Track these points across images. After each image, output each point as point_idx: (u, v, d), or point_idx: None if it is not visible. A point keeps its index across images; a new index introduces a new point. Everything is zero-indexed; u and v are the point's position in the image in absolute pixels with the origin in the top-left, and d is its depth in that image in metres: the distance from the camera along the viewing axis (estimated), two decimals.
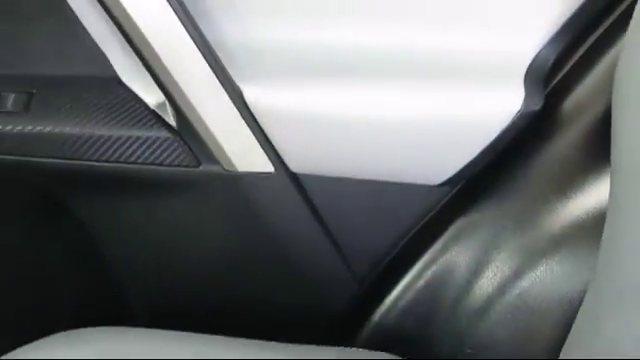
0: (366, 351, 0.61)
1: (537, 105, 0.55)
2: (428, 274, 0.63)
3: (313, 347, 0.54)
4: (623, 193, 0.40)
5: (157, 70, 0.52)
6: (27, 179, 0.57)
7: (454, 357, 0.60)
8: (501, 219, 0.60)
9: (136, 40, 0.51)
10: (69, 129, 0.54)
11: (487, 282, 0.61)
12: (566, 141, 0.58)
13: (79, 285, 0.61)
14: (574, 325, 0.45)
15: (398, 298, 0.64)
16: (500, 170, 0.59)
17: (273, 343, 0.53)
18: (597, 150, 0.56)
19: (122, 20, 0.51)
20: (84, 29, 0.55)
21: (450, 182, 0.58)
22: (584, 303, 0.45)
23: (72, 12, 0.54)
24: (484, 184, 0.59)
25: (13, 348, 0.50)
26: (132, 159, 0.55)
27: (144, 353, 0.50)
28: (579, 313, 0.45)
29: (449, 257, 0.62)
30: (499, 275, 0.60)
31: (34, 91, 0.56)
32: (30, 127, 0.54)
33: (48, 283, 0.61)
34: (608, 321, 0.41)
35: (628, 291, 0.39)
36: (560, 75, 0.58)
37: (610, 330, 0.41)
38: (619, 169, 0.41)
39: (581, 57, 0.58)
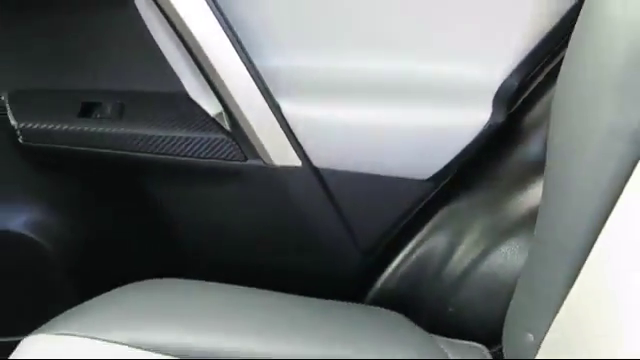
0: (371, 307, 0.78)
1: (501, 119, 0.72)
2: (419, 250, 0.80)
3: (331, 301, 0.72)
4: (550, 183, 0.57)
5: (217, 89, 0.70)
6: (120, 169, 0.76)
7: (439, 314, 0.77)
8: (475, 207, 0.77)
9: (204, 66, 0.69)
10: (151, 132, 0.73)
11: (464, 256, 0.77)
12: (525, 148, 0.75)
13: (154, 249, 0.79)
14: (517, 283, 0.62)
15: (395, 268, 0.80)
16: (474, 170, 0.76)
17: (300, 297, 0.70)
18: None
19: (194, 51, 0.69)
20: (164, 57, 0.73)
21: (435, 178, 0.75)
22: (523, 268, 0.61)
23: (156, 44, 0.73)
24: (461, 180, 0.77)
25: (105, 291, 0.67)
26: (196, 155, 0.73)
27: (201, 295, 0.68)
28: (520, 276, 0.62)
29: (435, 236, 0.79)
30: (473, 251, 0.77)
31: (125, 103, 0.74)
32: (123, 130, 0.73)
33: (131, 247, 0.79)
34: (538, 273, 0.58)
35: (551, 248, 0.56)
36: (522, 97, 0.75)
37: (539, 278, 0.58)
38: (549, 166, 0.57)
39: (539, 83, 0.75)
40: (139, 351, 0.58)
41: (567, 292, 0.52)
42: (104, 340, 0.58)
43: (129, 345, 0.59)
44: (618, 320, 0.45)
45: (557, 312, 0.53)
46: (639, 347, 0.43)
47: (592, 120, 0.51)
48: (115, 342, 0.58)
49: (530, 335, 0.57)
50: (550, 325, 0.54)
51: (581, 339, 0.51)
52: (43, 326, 0.60)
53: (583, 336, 0.50)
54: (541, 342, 0.56)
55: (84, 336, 0.58)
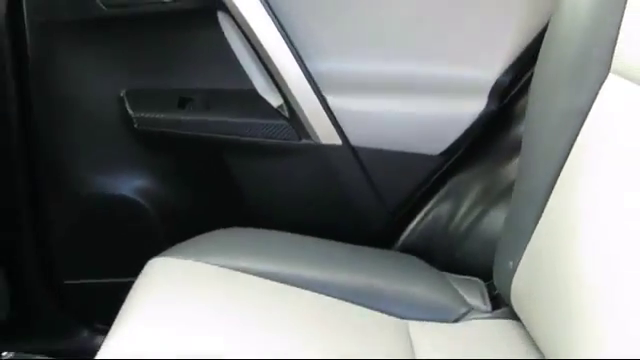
0: (394, 252, 1.01)
1: (495, 108, 0.94)
2: (433, 211, 1.02)
3: (363, 247, 0.95)
4: (525, 150, 0.79)
5: (279, 87, 0.95)
6: (207, 147, 1.00)
7: (448, 260, 0.99)
8: (475, 177, 0.99)
9: (270, 69, 0.94)
10: (229, 119, 0.97)
11: (467, 215, 0.99)
12: (514, 130, 0.97)
13: (229, 208, 1.04)
14: (503, 225, 0.84)
15: (415, 225, 1.03)
16: (475, 148, 0.98)
17: (340, 243, 0.93)
18: None
19: (263, 58, 0.93)
20: (239, 63, 0.98)
21: (444, 154, 0.97)
22: (507, 213, 0.83)
23: (234, 54, 0.97)
24: (465, 156, 0.98)
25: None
26: (263, 136, 0.96)
27: (271, 238, 0.92)
28: (505, 219, 0.84)
29: (445, 200, 1.01)
30: (474, 211, 0.99)
31: (211, 98, 0.99)
32: (209, 118, 0.98)
33: (213, 206, 1.04)
34: (516, 214, 0.80)
35: (524, 196, 0.77)
36: (513, 91, 0.97)
37: (516, 217, 0.79)
38: (524, 138, 0.79)
39: (528, 79, 0.96)
40: (243, 275, 0.81)
41: (535, 227, 0.74)
42: (212, 264, 0.82)
43: (234, 269, 0.81)
44: (573, 247, 0.66)
45: (529, 242, 0.75)
46: (591, 266, 0.63)
47: (550, 103, 0.73)
48: (222, 266, 0.82)
49: (510, 262, 0.79)
50: (524, 252, 0.76)
51: (546, 261, 0.72)
52: (162, 252, 0.84)
53: (547, 259, 0.72)
54: (517, 267, 0.78)
55: (196, 260, 0.82)
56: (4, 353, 1.11)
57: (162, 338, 0.71)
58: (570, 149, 0.70)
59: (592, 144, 0.68)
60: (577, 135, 0.70)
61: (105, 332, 0.74)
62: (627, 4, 0.65)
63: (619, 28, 0.66)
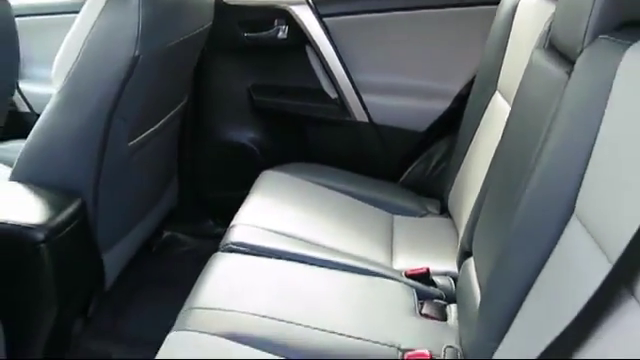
0: (397, 185, 1.78)
1: (455, 106, 1.68)
2: (420, 163, 1.77)
3: (378, 180, 1.72)
4: (463, 130, 1.54)
5: (335, 87, 1.72)
6: (294, 119, 1.79)
7: (426, 188, 1.74)
8: (443, 143, 1.74)
9: (331, 76, 1.71)
10: (308, 104, 1.76)
11: (438, 165, 1.75)
12: (463, 119, 1.71)
13: (302, 154, 1.82)
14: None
15: (409, 171, 1.78)
16: (443, 127, 1.73)
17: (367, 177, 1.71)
18: None
19: (327, 69, 1.71)
20: (314, 72, 1.76)
21: (427, 130, 1.73)
22: None
23: (311, 65, 1.75)
24: (438, 133, 1.74)
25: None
26: (325, 114, 1.75)
27: (329, 170, 1.70)
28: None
29: (427, 157, 1.77)
30: (442, 163, 1.74)
31: (299, 91, 1.78)
32: (297, 102, 1.77)
33: (292, 153, 1.83)
34: (451, 162, 1.56)
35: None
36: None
37: (452, 163, 1.55)
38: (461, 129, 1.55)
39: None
40: (318, 185, 1.60)
41: (463, 160, 1.50)
42: (296, 177, 1.61)
43: (311, 182, 1.61)
44: (482, 170, 1.44)
45: (458, 171, 1.51)
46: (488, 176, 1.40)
47: (473, 103, 1.49)
48: (305, 179, 1.61)
49: (450, 185, 1.55)
50: (455, 177, 1.52)
51: (467, 182, 1.48)
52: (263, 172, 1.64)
53: (467, 180, 1.48)
54: (452, 188, 1.54)
55: (288, 174, 1.61)
56: (165, 232, 1.93)
57: (273, 222, 1.45)
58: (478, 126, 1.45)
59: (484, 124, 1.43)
60: (481, 119, 1.45)
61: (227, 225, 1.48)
62: (509, 42, 1.38)
63: (502, 58, 1.39)
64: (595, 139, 0.75)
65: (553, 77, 0.90)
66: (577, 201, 0.77)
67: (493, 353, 0.86)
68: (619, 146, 0.71)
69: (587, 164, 0.76)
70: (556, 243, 0.79)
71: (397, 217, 1.57)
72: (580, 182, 0.77)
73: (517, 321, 0.83)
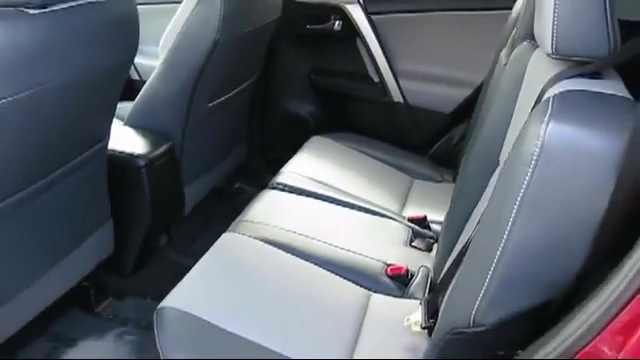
0: (424, 157, 2.14)
1: (476, 94, 2.02)
2: (444, 140, 2.12)
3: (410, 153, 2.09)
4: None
5: (378, 72, 2.10)
6: (340, 96, 2.20)
7: (448, 159, 2.09)
8: (463, 126, 2.08)
9: (374, 63, 2.09)
10: (353, 84, 2.16)
11: (458, 143, 2.09)
12: (481, 107, 2.04)
13: (346, 125, 2.21)
14: None
15: (436, 147, 2.13)
16: (463, 112, 2.06)
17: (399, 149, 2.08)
18: None
19: (372, 58, 2.09)
20: (363, 60, 2.14)
21: (452, 113, 2.08)
22: None
23: (360, 55, 2.13)
24: (460, 116, 2.08)
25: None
26: (369, 94, 2.14)
27: (365, 139, 2.09)
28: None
29: (450, 136, 2.11)
30: (462, 142, 2.08)
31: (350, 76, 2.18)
32: (346, 83, 2.17)
33: (339, 124, 2.22)
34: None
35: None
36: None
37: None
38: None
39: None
40: (354, 151, 2.00)
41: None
42: (339, 143, 2.01)
43: (350, 147, 2.01)
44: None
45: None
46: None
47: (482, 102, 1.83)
48: (347, 146, 2.01)
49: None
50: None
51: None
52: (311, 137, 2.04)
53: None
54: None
55: (333, 140, 2.01)
56: (236, 184, 2.39)
57: (312, 172, 1.86)
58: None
59: None
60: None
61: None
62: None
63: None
64: (513, 110, 1.10)
65: (501, 70, 1.25)
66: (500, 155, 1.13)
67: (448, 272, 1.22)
68: (523, 112, 1.06)
69: (508, 127, 1.11)
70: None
71: (417, 181, 1.93)
72: (503, 140, 1.12)
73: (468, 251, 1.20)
